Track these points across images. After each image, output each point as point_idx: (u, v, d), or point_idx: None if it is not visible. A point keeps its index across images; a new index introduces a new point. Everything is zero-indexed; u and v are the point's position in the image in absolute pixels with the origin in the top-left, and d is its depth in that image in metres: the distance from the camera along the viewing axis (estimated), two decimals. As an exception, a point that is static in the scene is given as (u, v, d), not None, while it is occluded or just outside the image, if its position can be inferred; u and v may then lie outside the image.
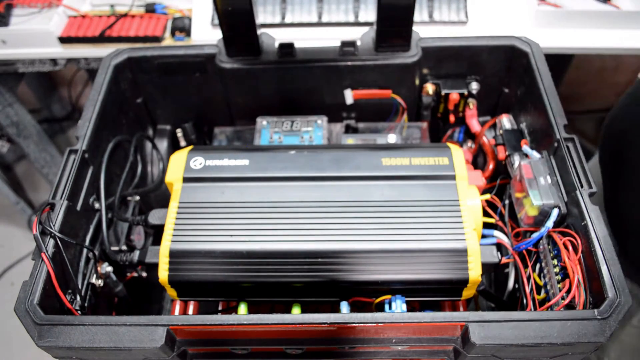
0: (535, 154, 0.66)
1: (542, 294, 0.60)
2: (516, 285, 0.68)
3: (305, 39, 0.95)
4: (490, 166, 0.78)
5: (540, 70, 0.70)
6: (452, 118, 0.83)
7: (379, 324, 0.49)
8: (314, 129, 0.79)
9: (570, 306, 0.54)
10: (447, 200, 0.61)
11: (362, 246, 0.58)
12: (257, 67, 0.78)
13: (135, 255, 0.65)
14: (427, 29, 1.01)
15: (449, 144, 0.67)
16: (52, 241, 0.55)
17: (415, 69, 0.78)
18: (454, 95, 0.79)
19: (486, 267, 0.61)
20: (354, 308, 0.61)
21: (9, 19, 1.04)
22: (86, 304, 0.60)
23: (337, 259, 0.57)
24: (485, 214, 0.69)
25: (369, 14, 1.02)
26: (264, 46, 0.78)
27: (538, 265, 0.62)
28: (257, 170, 0.64)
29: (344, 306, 0.59)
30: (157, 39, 1.02)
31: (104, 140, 0.71)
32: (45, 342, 0.49)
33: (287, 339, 0.53)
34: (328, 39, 0.96)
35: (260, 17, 1.02)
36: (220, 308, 0.68)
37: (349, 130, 0.85)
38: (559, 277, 0.57)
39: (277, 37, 0.79)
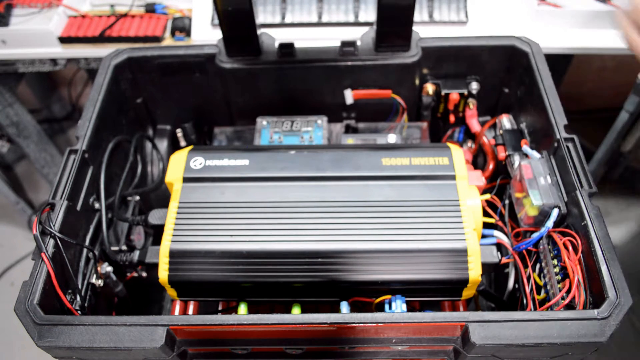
0: (535, 154, 0.66)
1: (542, 294, 0.60)
2: (516, 285, 0.68)
3: (305, 39, 0.95)
4: (490, 166, 0.78)
5: (540, 70, 0.70)
6: (452, 118, 0.83)
7: (379, 324, 0.49)
8: (314, 129, 0.79)
9: (570, 306, 0.54)
10: (447, 200, 0.61)
11: (362, 246, 0.58)
12: (257, 67, 0.78)
13: (135, 255, 0.65)
14: (427, 29, 1.01)
15: (449, 144, 0.67)
16: (52, 241, 0.55)
17: (415, 69, 0.78)
18: (454, 95, 0.79)
19: (486, 267, 0.61)
20: (354, 308, 0.61)
21: (9, 19, 1.04)
22: (86, 304, 0.60)
23: (337, 259, 0.57)
24: (485, 214, 0.69)
25: (369, 14, 1.02)
26: (264, 46, 0.78)
27: (538, 265, 0.62)
28: (257, 170, 0.64)
29: (344, 306, 0.59)
30: (157, 39, 1.02)
31: (104, 140, 0.71)
32: (45, 342, 0.49)
33: (287, 339, 0.53)
34: (328, 39, 0.95)
35: (260, 17, 1.02)
36: (220, 308, 0.68)
37: (349, 130, 0.85)
38: (559, 277, 0.57)
39: (277, 37, 0.79)
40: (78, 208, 0.62)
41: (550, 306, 0.56)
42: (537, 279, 0.61)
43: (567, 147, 0.61)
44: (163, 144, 0.88)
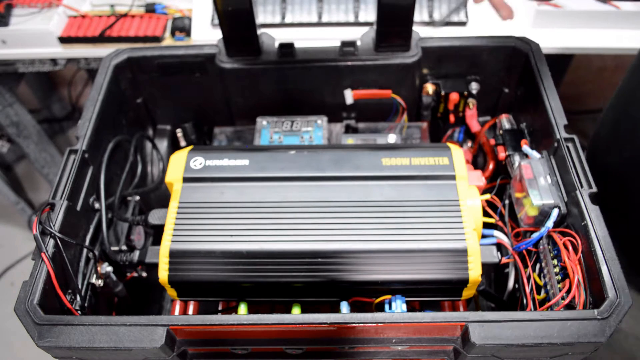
0: (535, 154, 0.66)
1: (542, 294, 0.60)
2: (516, 285, 0.68)
3: (305, 39, 0.95)
4: (490, 166, 0.78)
5: (540, 70, 0.70)
6: (452, 118, 0.83)
7: (379, 324, 0.49)
8: (314, 129, 0.79)
9: (570, 306, 0.54)
10: (447, 200, 0.61)
11: (362, 246, 0.58)
12: (257, 67, 0.78)
13: (135, 255, 0.65)
14: (427, 29, 1.01)
15: (449, 144, 0.67)
16: (52, 241, 0.55)
17: (415, 69, 0.78)
18: (454, 95, 0.79)
19: (486, 267, 0.61)
20: (354, 308, 0.61)
21: (9, 19, 1.04)
22: (86, 304, 0.60)
23: (337, 259, 0.57)
24: (485, 214, 0.69)
25: (369, 14, 1.02)
26: (264, 46, 0.78)
27: (538, 265, 0.62)
28: (257, 170, 0.64)
29: (344, 306, 0.59)
30: (157, 39, 1.02)
31: (104, 140, 0.71)
32: (45, 342, 0.49)
33: (287, 339, 0.53)
34: (328, 39, 0.96)
35: (260, 17, 1.02)
36: (220, 308, 0.68)
37: (349, 130, 0.85)
38: (559, 277, 0.57)
39: (277, 37, 0.79)
40: (78, 208, 0.62)
41: (550, 306, 0.56)
42: (537, 279, 0.61)
43: (567, 147, 0.61)
44: (163, 144, 0.88)
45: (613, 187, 0.74)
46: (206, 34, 1.03)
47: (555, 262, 0.58)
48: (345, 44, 0.77)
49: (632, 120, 0.72)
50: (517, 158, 0.70)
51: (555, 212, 0.59)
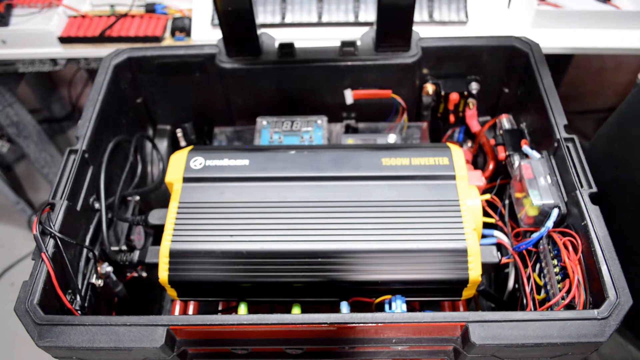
0: (535, 154, 0.66)
1: (542, 294, 0.60)
2: (516, 285, 0.68)
3: (305, 39, 0.95)
4: (490, 166, 0.78)
5: (540, 70, 0.70)
6: (452, 118, 0.83)
7: (379, 324, 0.49)
8: (314, 129, 0.79)
9: (570, 306, 0.54)
10: (447, 200, 0.61)
11: (362, 246, 0.58)
12: (257, 67, 0.78)
13: (135, 255, 0.65)
14: (427, 29, 1.01)
15: (449, 144, 0.67)
16: (52, 241, 0.55)
17: (415, 69, 0.78)
18: (454, 95, 0.79)
19: (486, 267, 0.61)
20: (354, 308, 0.61)
21: (9, 19, 1.04)
22: (86, 304, 0.60)
23: (337, 259, 0.57)
24: (485, 214, 0.69)
25: (369, 14, 1.02)
26: (264, 46, 0.78)
27: (538, 265, 0.62)
28: (257, 170, 0.64)
29: (344, 306, 0.59)
30: (157, 39, 1.02)
31: (104, 140, 0.71)
32: (45, 342, 0.49)
33: (287, 339, 0.53)
34: (328, 39, 0.96)
35: (260, 17, 1.02)
36: (220, 308, 0.68)
37: (349, 130, 0.85)
38: (559, 277, 0.57)
39: (277, 37, 0.79)
40: (78, 208, 0.62)
41: (550, 306, 0.56)
42: (537, 279, 0.61)
43: (567, 147, 0.61)
44: (163, 144, 0.88)
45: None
46: (206, 34, 1.02)
47: (555, 262, 0.58)
48: (345, 44, 0.77)
49: (627, 139, 0.71)
50: (517, 158, 0.70)
51: (555, 212, 0.59)
